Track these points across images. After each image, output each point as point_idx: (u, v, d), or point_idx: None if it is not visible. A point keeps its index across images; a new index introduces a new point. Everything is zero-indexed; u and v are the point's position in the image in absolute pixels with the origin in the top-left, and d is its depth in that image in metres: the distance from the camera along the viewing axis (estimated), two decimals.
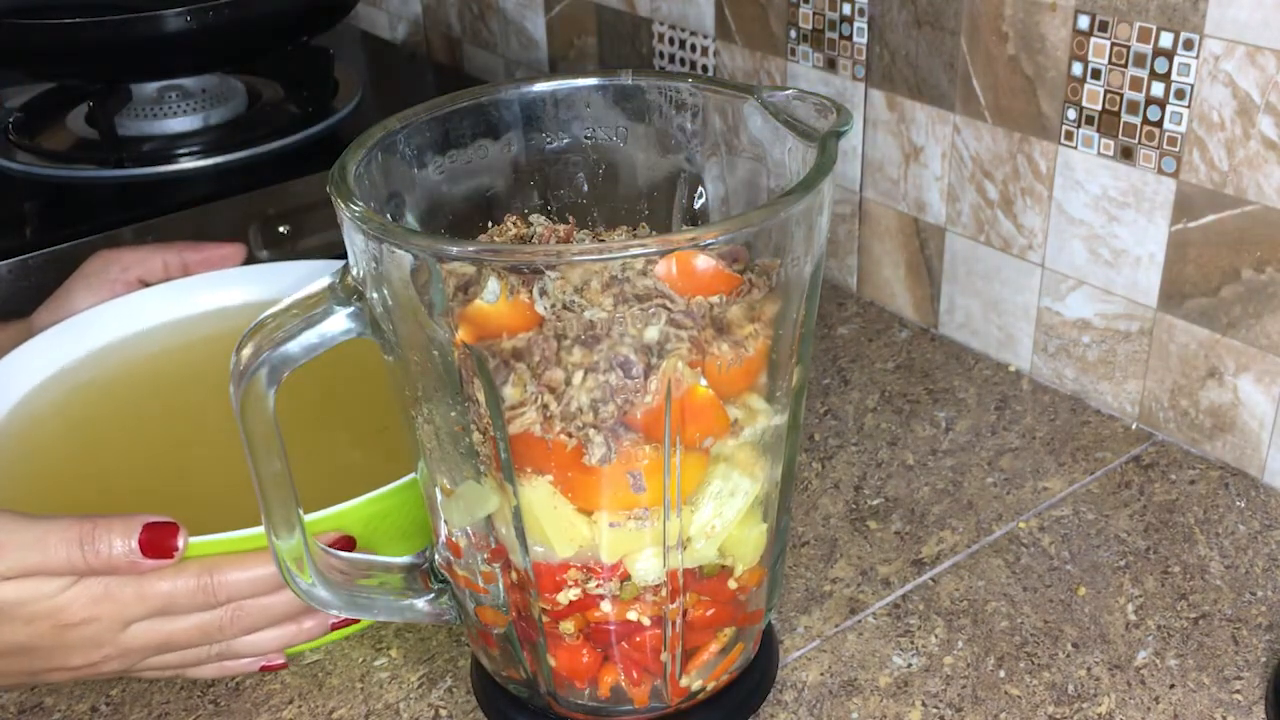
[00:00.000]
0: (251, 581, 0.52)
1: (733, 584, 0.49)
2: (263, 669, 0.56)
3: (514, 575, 0.48)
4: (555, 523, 0.45)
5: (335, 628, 0.56)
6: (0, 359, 0.66)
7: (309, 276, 0.64)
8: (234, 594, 0.52)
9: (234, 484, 0.52)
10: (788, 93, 0.49)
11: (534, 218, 0.53)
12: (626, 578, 0.47)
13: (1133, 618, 0.59)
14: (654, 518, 0.45)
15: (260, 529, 0.49)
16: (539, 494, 0.45)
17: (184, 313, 0.71)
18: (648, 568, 0.46)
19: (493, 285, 0.42)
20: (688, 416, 0.43)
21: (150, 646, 0.52)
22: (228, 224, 0.85)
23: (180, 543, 0.50)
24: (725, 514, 0.47)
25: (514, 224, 0.52)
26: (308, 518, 0.49)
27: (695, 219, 0.54)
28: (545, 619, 0.48)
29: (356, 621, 0.56)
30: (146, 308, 0.70)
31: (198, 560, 0.51)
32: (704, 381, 0.43)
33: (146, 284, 0.71)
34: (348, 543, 0.54)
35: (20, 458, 0.62)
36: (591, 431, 0.43)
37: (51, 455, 0.63)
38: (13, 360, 0.66)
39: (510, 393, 0.43)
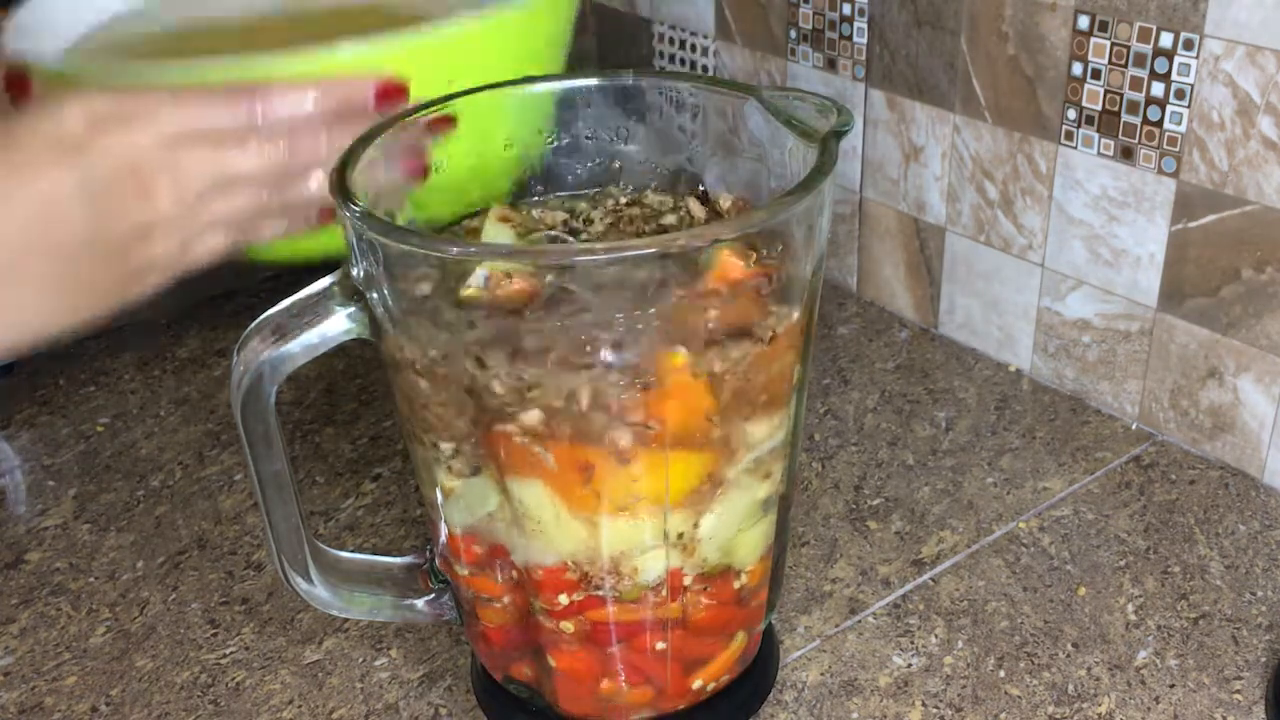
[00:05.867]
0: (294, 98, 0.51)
1: (733, 584, 0.49)
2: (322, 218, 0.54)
3: (514, 575, 0.48)
4: (555, 522, 0.45)
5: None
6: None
7: None
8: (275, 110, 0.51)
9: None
10: (788, 93, 0.49)
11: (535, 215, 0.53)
12: (627, 578, 0.47)
13: (1133, 618, 0.59)
14: (654, 518, 0.45)
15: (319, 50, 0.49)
16: (539, 494, 0.45)
17: None
18: (648, 568, 0.46)
19: (479, 272, 0.42)
20: (688, 416, 0.43)
21: (208, 176, 0.50)
22: None
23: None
24: (726, 514, 0.47)
25: (515, 224, 0.52)
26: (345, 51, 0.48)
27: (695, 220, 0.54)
28: (546, 619, 0.48)
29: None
30: None
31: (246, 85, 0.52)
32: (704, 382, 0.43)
33: None
34: (396, 92, 0.51)
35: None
36: (591, 430, 0.43)
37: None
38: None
39: (510, 392, 0.43)
